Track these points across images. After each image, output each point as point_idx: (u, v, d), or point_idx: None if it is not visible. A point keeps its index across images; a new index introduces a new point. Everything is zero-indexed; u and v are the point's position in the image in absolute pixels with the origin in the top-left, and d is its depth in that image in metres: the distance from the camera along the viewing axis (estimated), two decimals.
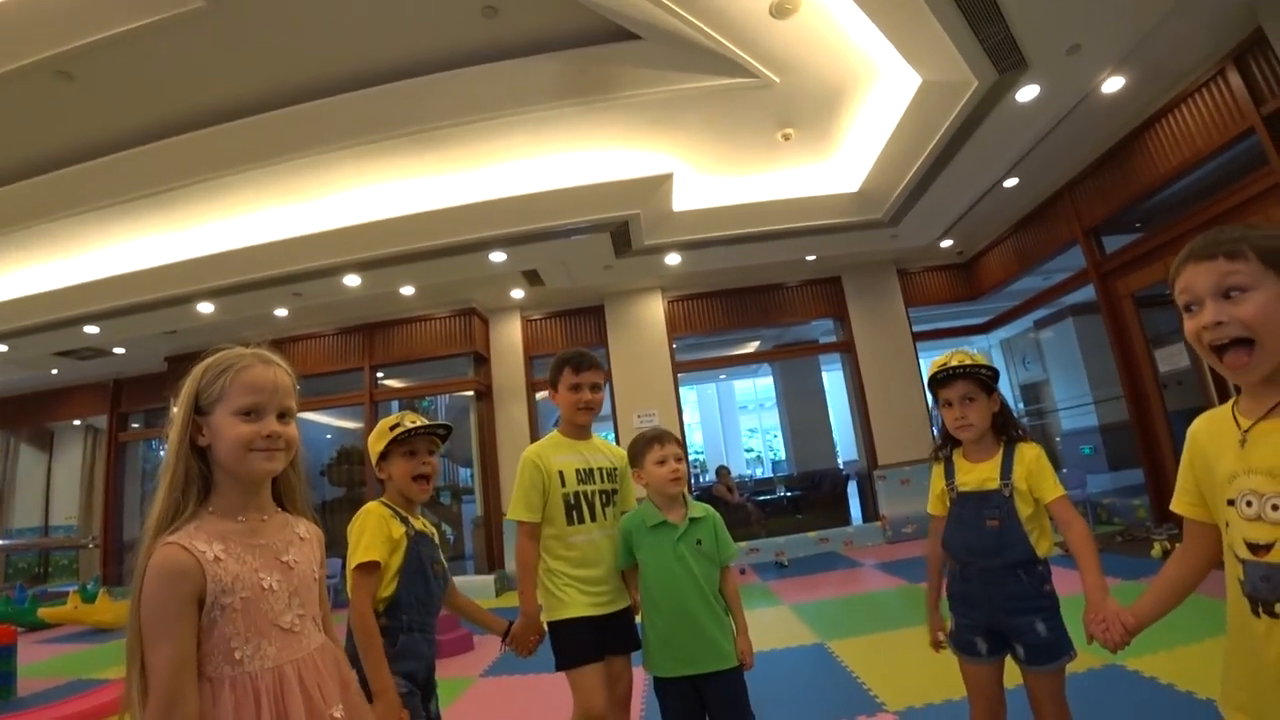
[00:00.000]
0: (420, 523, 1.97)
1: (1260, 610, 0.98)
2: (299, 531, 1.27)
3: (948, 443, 1.95)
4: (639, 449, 2.18)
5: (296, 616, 1.18)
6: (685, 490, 2.18)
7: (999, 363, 9.98)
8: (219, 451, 1.16)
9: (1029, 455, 1.80)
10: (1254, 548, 1.00)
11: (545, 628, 2.17)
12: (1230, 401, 1.12)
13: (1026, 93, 4.44)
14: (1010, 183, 6.09)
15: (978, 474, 1.85)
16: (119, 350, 8.31)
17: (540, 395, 8.25)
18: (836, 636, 4.03)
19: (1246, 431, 1.05)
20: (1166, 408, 5.53)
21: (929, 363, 2.16)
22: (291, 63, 4.56)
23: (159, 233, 6.25)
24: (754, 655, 2.08)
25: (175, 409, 1.17)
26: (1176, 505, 1.22)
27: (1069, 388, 8.33)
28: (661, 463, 2.12)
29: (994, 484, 1.80)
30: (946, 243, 7.62)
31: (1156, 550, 4.85)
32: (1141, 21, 3.85)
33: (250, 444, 1.16)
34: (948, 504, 1.91)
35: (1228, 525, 1.07)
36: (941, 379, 1.87)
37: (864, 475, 8.16)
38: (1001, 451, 1.83)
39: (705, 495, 8.24)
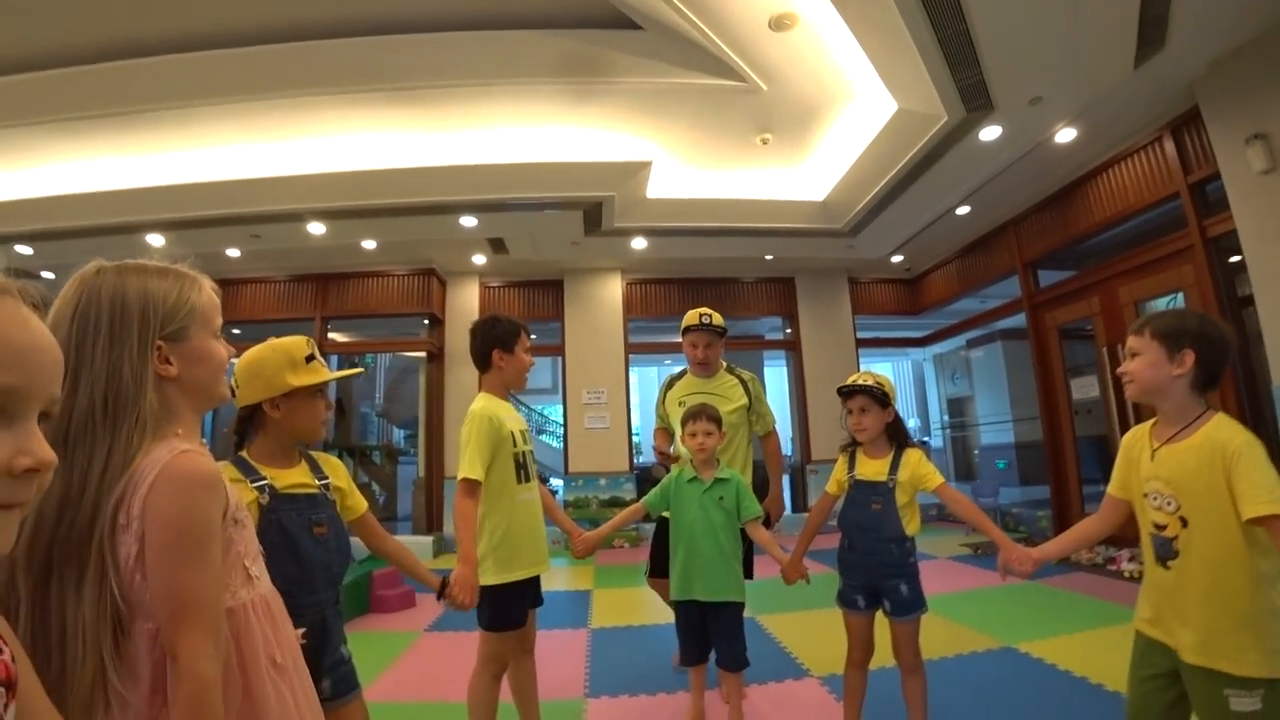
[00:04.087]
0: (296, 474, 1.62)
1: (1159, 561, 1.54)
2: None
3: (854, 441, 2.43)
4: (682, 421, 2.64)
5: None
6: (715, 458, 2.65)
7: (930, 376, 10.60)
8: (197, 378, 1.05)
9: (914, 458, 2.31)
10: (1157, 526, 1.55)
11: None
12: (1150, 422, 1.64)
13: (989, 132, 4.80)
14: (962, 210, 6.51)
15: (872, 468, 2.35)
16: (48, 275, 7.88)
17: None
18: (766, 611, 4.34)
19: (1155, 450, 1.58)
20: (1076, 433, 6.08)
21: (867, 368, 2.57)
22: None
23: (112, 155, 6.00)
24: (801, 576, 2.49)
25: (109, 333, 0.96)
26: (1111, 489, 1.74)
27: (991, 405, 8.96)
28: (693, 435, 2.58)
29: (883, 477, 2.31)
30: (897, 258, 8.05)
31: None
32: (1099, 85, 4.24)
33: (225, 367, 1.10)
34: (845, 489, 2.40)
35: (1144, 510, 1.60)
36: (845, 392, 2.38)
37: (797, 468, 8.58)
38: (893, 453, 2.34)
39: (645, 475, 8.49)
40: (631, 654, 3.66)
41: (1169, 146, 4.77)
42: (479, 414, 2.26)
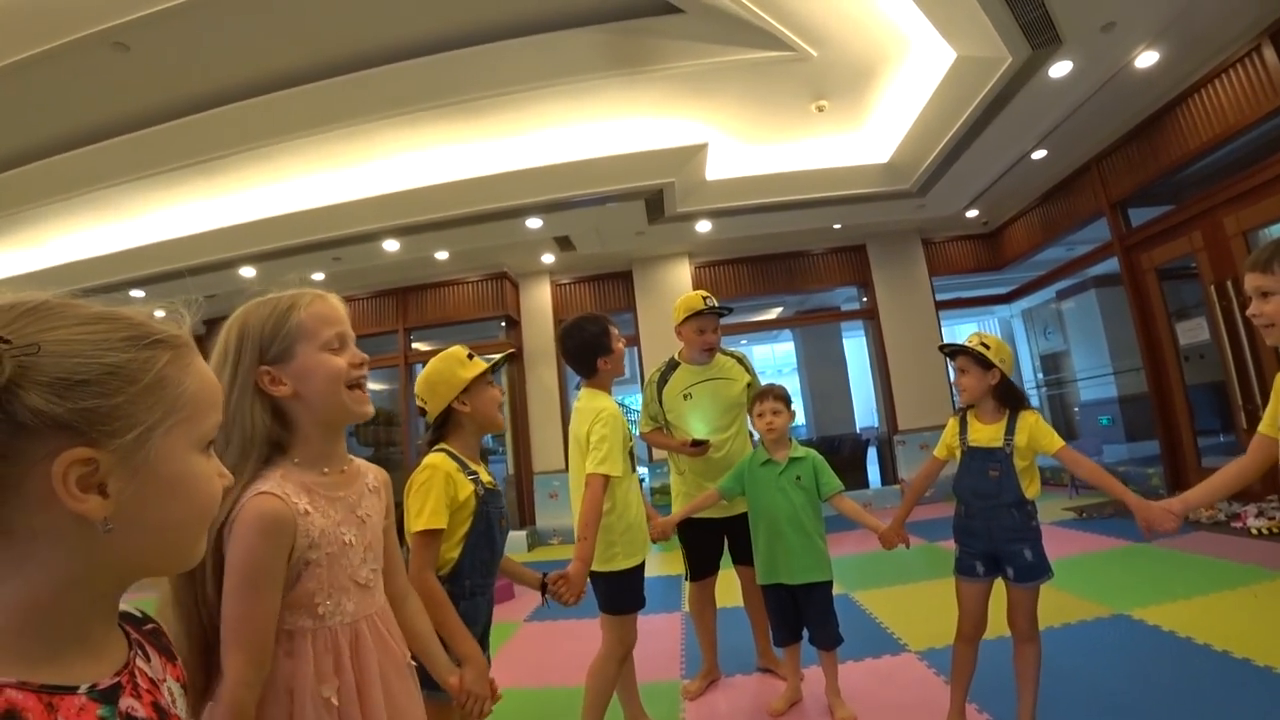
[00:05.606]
0: (485, 471, 1.80)
1: None
2: (369, 482, 1.23)
3: (966, 404, 2.33)
4: (751, 403, 2.68)
5: (371, 571, 1.17)
6: (787, 437, 2.63)
7: (1019, 333, 10.08)
8: (311, 394, 1.11)
9: (1029, 420, 2.19)
10: None
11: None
12: None
13: (1059, 69, 4.50)
14: (1038, 155, 6.15)
15: (986, 433, 2.23)
16: (158, 313, 8.54)
17: None
18: (860, 588, 4.29)
19: None
20: (1186, 381, 5.66)
21: (951, 332, 2.47)
22: (338, 33, 4.68)
23: (203, 199, 6.45)
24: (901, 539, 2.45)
25: (221, 365, 1.07)
26: (1264, 428, 1.64)
27: (1089, 359, 8.44)
28: (761, 415, 2.60)
29: (998, 443, 2.19)
30: (972, 213, 7.68)
31: None
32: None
33: (347, 378, 1.13)
34: (957, 455, 2.30)
35: None
36: (947, 353, 2.34)
37: (884, 440, 8.36)
38: (1007, 417, 2.22)
39: None
40: (724, 635, 3.68)
41: (1269, 55, 4.34)
42: (613, 414, 2.31)
